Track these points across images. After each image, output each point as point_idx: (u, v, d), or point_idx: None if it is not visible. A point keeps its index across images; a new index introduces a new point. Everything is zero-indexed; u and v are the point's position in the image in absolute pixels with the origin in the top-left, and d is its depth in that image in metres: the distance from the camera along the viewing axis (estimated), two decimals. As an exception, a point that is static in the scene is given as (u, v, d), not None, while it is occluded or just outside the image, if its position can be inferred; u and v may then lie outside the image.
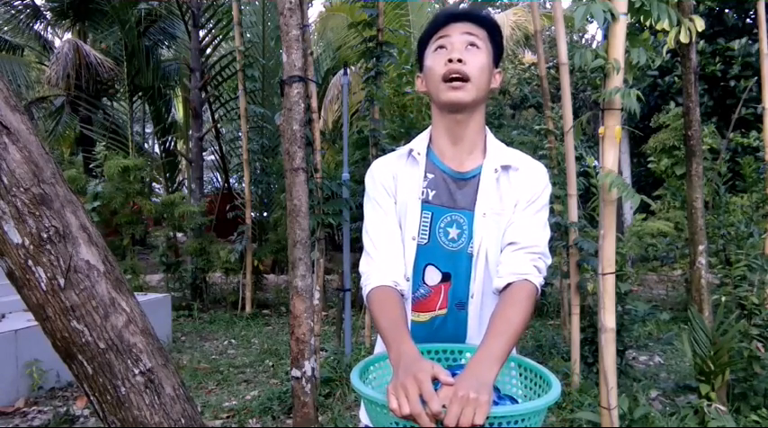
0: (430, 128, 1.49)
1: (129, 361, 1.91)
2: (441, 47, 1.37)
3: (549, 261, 1.38)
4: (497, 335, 1.16)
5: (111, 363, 1.88)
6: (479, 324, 1.37)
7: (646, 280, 8.16)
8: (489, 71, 1.39)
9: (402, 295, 1.34)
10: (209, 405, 3.92)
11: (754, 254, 3.72)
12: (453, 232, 1.39)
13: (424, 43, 1.44)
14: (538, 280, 1.31)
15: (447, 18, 1.39)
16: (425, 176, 1.42)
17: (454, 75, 1.33)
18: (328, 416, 3.62)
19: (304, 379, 3.11)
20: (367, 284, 1.36)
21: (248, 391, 4.26)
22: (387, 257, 1.38)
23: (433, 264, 1.41)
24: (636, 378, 4.07)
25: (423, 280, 1.41)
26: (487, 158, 1.42)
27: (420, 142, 1.47)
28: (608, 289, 2.78)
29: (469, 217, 1.39)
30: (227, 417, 3.75)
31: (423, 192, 1.41)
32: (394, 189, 1.44)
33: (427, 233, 1.40)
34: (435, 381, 1.01)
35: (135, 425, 1.92)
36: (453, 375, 1.06)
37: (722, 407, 3.10)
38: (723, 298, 3.52)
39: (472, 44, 1.36)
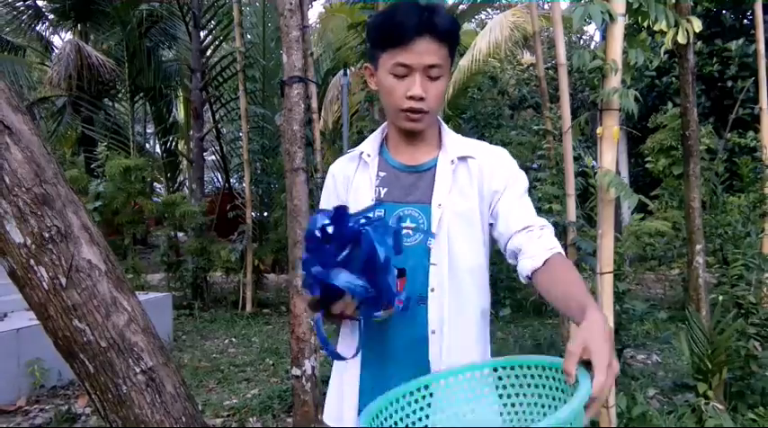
0: (384, 125, 1.47)
1: (130, 360, 1.93)
2: (400, 74, 1.29)
3: None
4: (584, 292, 1.10)
5: (112, 362, 1.90)
6: (440, 318, 1.33)
7: (643, 280, 8.16)
8: (446, 90, 1.36)
9: None
10: (210, 404, 3.94)
11: (751, 254, 3.73)
12: (408, 226, 1.37)
13: (379, 44, 1.32)
14: (561, 250, 1.28)
15: (410, 33, 1.25)
16: (378, 175, 1.41)
17: (414, 109, 1.31)
18: (328, 415, 3.64)
19: (304, 378, 3.13)
20: None
21: (249, 390, 4.28)
22: None
23: None
24: (634, 376, 4.08)
25: None
26: (443, 150, 1.41)
27: (371, 143, 1.46)
28: (606, 288, 2.79)
29: (426, 210, 1.36)
30: (228, 416, 3.77)
31: (376, 192, 1.39)
32: (345, 193, 1.44)
33: None
34: None
35: (136, 424, 1.94)
36: None
37: (719, 406, 3.12)
38: (720, 298, 3.53)
39: (434, 76, 1.30)
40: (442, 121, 1.46)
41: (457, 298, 1.35)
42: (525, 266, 1.25)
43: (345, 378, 1.40)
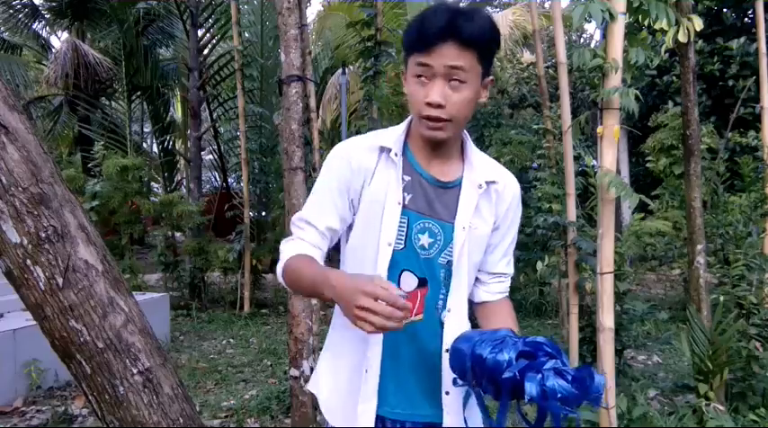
0: (407, 122, 1.40)
1: (127, 361, 1.91)
2: (421, 75, 1.26)
3: None
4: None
5: (109, 363, 1.88)
6: (454, 336, 1.33)
7: (644, 280, 8.17)
8: (474, 100, 1.30)
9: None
10: (208, 405, 3.92)
11: (753, 254, 3.71)
12: (424, 239, 1.36)
13: (407, 48, 1.31)
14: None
15: (432, 37, 1.23)
16: (402, 178, 1.36)
17: (432, 118, 1.27)
18: (327, 416, 3.62)
19: (302, 379, 3.11)
20: (280, 264, 1.37)
21: (246, 391, 4.26)
22: (310, 241, 1.38)
23: (408, 270, 1.37)
24: (634, 377, 4.07)
25: (399, 285, 1.36)
26: (468, 170, 1.39)
27: (396, 140, 1.38)
28: (606, 288, 2.78)
29: (447, 228, 1.36)
30: (226, 417, 3.75)
31: (402, 197, 1.35)
32: (360, 186, 1.36)
33: (403, 238, 1.36)
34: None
35: (133, 425, 1.92)
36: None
37: (720, 407, 3.11)
38: (721, 298, 3.52)
39: (456, 79, 1.24)
40: (467, 135, 1.43)
41: (464, 318, 1.42)
42: (481, 296, 1.49)
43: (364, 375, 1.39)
